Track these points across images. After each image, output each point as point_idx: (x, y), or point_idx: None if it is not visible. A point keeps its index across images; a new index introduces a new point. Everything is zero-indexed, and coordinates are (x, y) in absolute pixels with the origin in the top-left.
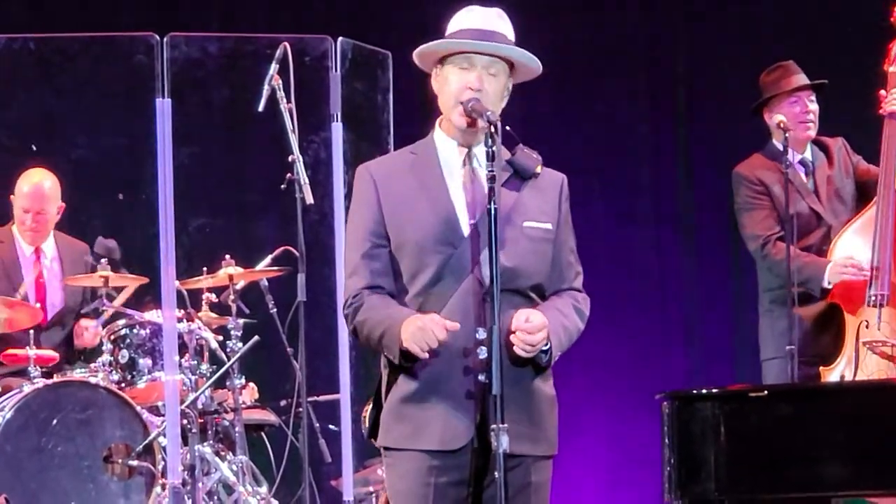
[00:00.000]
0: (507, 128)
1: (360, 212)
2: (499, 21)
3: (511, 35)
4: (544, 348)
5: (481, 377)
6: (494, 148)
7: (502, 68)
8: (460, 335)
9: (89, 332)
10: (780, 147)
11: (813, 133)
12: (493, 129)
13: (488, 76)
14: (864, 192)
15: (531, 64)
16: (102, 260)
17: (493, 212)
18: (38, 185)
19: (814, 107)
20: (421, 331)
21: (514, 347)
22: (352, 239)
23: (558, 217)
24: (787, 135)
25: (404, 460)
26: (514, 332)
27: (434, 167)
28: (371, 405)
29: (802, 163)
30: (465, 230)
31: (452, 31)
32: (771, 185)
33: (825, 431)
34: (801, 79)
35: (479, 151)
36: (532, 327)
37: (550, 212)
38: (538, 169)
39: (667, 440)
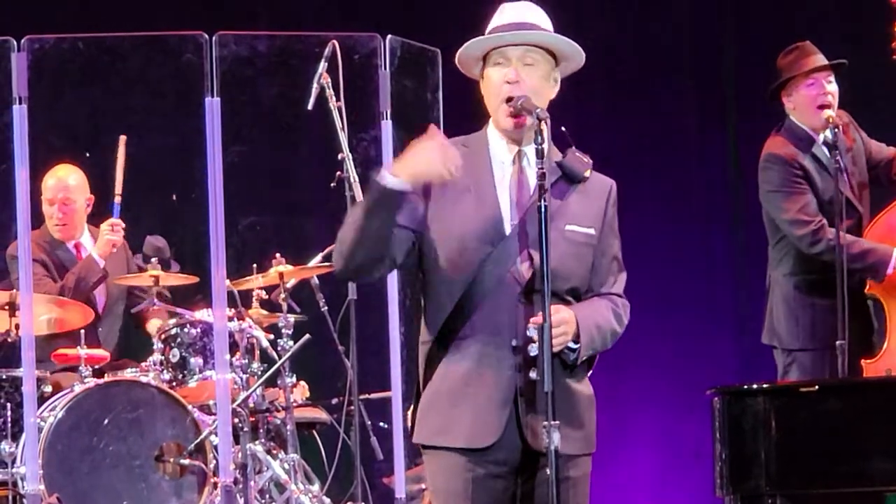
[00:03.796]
0: (563, 128)
1: None
2: (529, 12)
3: (546, 24)
4: (573, 346)
5: (532, 374)
6: (544, 145)
7: (541, 57)
8: (494, 333)
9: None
10: (803, 128)
11: (832, 114)
12: (541, 126)
13: (524, 67)
14: (876, 173)
15: (567, 48)
16: (153, 259)
17: (543, 209)
18: (61, 178)
19: (832, 88)
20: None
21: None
22: None
23: (603, 222)
24: (836, 129)
25: (438, 457)
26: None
27: (484, 162)
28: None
29: (826, 145)
30: (507, 229)
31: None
32: (809, 169)
33: (876, 426)
34: (819, 59)
35: (530, 150)
36: (554, 321)
37: (595, 216)
38: (587, 173)
39: (718, 435)
